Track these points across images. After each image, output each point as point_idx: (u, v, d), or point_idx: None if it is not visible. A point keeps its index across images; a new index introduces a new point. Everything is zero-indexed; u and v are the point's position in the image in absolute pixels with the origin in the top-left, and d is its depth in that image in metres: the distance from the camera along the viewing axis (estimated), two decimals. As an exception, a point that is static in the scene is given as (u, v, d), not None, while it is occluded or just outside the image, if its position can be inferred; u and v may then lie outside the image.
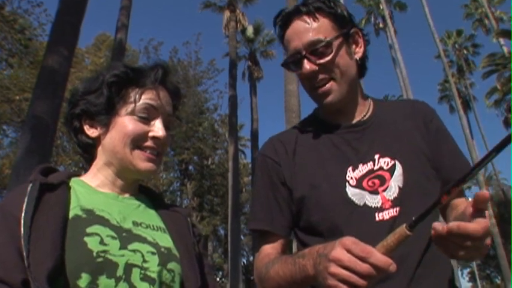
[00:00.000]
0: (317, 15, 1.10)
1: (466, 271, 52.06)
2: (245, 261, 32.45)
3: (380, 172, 1.09)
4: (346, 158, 1.12)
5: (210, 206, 27.71)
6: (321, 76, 1.10)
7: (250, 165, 26.52)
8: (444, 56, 27.18)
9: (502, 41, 29.90)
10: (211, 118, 28.98)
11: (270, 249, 1.14)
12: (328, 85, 1.10)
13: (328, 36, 1.09)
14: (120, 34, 11.01)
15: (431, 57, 45.19)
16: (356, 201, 1.06)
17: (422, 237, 1.03)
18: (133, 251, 0.89)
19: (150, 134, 0.99)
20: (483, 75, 32.65)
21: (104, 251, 0.85)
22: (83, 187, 0.99)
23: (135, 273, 0.87)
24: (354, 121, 1.18)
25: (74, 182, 0.99)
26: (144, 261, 0.90)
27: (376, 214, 1.06)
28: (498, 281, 47.02)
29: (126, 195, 1.04)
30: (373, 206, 1.06)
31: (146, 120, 0.99)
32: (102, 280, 0.83)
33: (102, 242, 0.86)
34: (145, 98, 1.00)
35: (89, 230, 0.87)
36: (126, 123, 0.98)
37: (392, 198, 1.07)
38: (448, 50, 35.88)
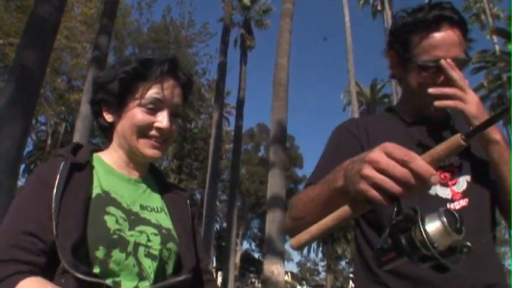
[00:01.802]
0: (463, 33, 1.16)
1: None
2: (218, 227, 32.93)
3: (450, 168, 1.17)
4: (422, 152, 1.15)
5: (189, 170, 27.81)
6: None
7: (232, 133, 26.56)
8: (437, 46, 27.11)
9: (495, 38, 30.05)
10: (199, 82, 28.70)
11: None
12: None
13: (465, 55, 1.15)
14: (114, -14, 10.73)
15: (425, 46, 45.02)
16: (428, 191, 1.11)
17: (483, 212, 1.13)
18: (140, 232, 1.04)
19: (155, 125, 1.09)
20: (472, 70, 32.90)
21: (119, 230, 1.00)
22: (102, 166, 1.11)
23: (141, 251, 1.02)
24: (433, 121, 1.24)
25: (95, 161, 1.11)
26: (149, 240, 1.04)
27: (448, 204, 1.12)
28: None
29: (137, 175, 1.16)
30: (443, 197, 1.12)
31: (153, 111, 1.09)
32: (115, 253, 0.97)
33: (117, 222, 1.00)
34: (152, 92, 1.08)
35: (107, 209, 1.01)
36: (134, 114, 1.08)
37: (461, 191, 1.14)
38: (441, 40, 35.85)
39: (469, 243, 0.66)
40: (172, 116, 1.12)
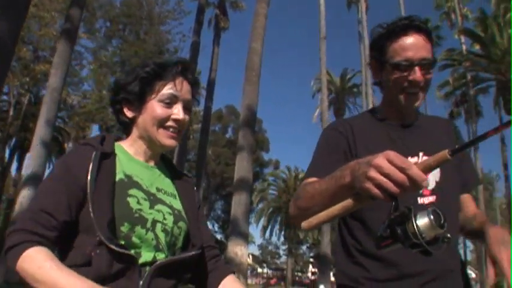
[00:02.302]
0: (428, 39, 1.34)
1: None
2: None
3: None
4: (400, 149, 1.30)
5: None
6: (419, 84, 1.33)
7: (201, 113, 26.40)
8: (407, 41, 27.67)
9: (462, 38, 30.88)
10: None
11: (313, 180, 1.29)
12: (420, 94, 1.36)
13: (431, 57, 1.34)
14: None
15: (395, 40, 45.80)
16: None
17: (449, 207, 1.29)
18: (158, 210, 1.22)
19: (172, 117, 1.26)
20: (440, 67, 33.80)
21: (140, 209, 1.17)
22: (124, 154, 1.28)
23: (158, 227, 1.20)
24: (406, 123, 1.45)
25: (117, 149, 1.28)
26: (164, 218, 1.22)
27: (418, 198, 1.30)
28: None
29: (152, 163, 1.34)
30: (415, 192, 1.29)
31: (169, 105, 1.26)
32: (137, 229, 1.15)
33: (138, 202, 1.18)
34: (168, 88, 1.26)
35: (129, 192, 1.18)
36: (154, 108, 1.25)
37: (430, 188, 1.33)
38: (412, 35, 36.56)
39: (449, 235, 0.86)
40: (185, 109, 1.29)
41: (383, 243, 0.88)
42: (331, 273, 29.25)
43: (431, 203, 1.30)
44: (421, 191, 1.29)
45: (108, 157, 1.20)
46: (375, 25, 1.42)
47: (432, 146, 1.35)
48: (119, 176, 1.19)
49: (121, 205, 1.14)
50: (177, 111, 1.26)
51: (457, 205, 1.41)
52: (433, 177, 1.34)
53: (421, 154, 1.37)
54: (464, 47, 30.96)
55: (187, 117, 1.29)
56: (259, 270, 62.39)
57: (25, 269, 1.00)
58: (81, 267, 1.07)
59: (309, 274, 67.77)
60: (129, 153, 1.30)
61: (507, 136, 33.81)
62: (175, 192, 1.35)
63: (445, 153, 0.82)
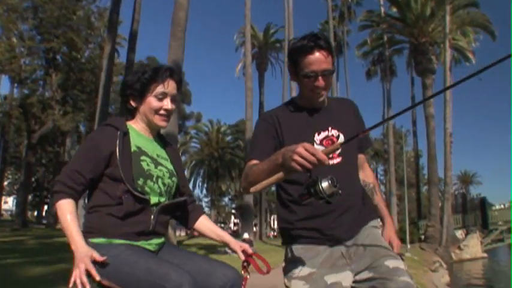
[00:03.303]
0: (329, 53, 1.80)
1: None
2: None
3: (331, 137, 1.87)
4: (314, 127, 1.89)
5: (74, 102, 26.38)
6: (322, 87, 1.83)
7: (124, 66, 25.43)
8: None
9: (381, 1, 32.23)
10: (88, 9, 26.73)
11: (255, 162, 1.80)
12: (323, 92, 1.86)
13: (331, 67, 1.82)
14: None
15: (319, -3, 46.50)
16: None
17: (351, 163, 1.90)
18: (160, 170, 1.80)
19: (164, 107, 1.81)
20: (359, 27, 35.12)
21: (149, 169, 1.75)
22: (133, 131, 1.82)
23: (160, 181, 1.79)
24: (318, 107, 1.93)
25: (129, 127, 1.81)
26: (163, 175, 1.81)
27: (330, 161, 1.76)
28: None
29: (151, 137, 1.90)
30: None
31: (161, 99, 1.80)
32: (148, 182, 1.73)
33: (147, 165, 1.76)
34: (160, 88, 1.79)
35: (141, 158, 1.76)
36: (151, 102, 1.80)
37: (337, 153, 1.83)
38: (336, -6, 37.39)
39: (340, 191, 1.45)
40: (173, 101, 1.84)
41: (303, 197, 1.48)
42: (253, 223, 30.58)
43: (338, 163, 1.83)
44: (331, 156, 1.79)
45: (125, 135, 1.76)
46: (292, 39, 1.93)
47: (337, 121, 1.91)
48: (133, 148, 1.76)
49: (137, 167, 1.72)
50: (167, 103, 1.81)
51: (356, 161, 1.98)
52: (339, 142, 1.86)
53: (330, 128, 1.88)
54: (382, 10, 32.34)
55: (174, 106, 1.85)
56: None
57: (57, 214, 1.63)
58: (115, 206, 1.67)
59: (231, 225, 70.01)
60: (136, 130, 1.85)
61: (417, 95, 36.38)
62: (167, 157, 1.92)
63: (337, 143, 1.49)
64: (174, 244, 1.88)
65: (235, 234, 36.86)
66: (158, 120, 1.81)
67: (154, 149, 1.86)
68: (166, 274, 1.50)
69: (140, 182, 1.70)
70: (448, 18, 25.94)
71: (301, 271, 1.77)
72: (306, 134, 1.85)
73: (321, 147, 1.70)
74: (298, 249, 1.83)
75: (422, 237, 28.81)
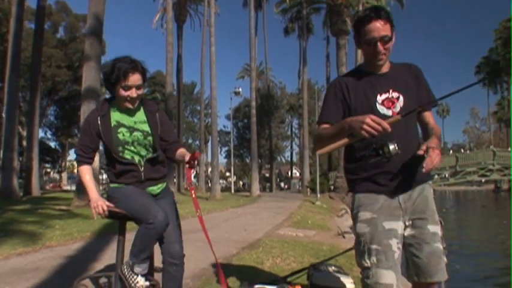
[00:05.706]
0: (387, 21, 2.00)
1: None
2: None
3: (392, 99, 2.07)
4: (376, 89, 2.09)
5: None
6: (383, 52, 2.02)
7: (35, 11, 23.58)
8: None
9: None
10: None
11: (325, 126, 2.08)
12: (384, 57, 2.05)
13: (390, 33, 2.01)
14: None
15: (240, -51, 45.09)
16: (380, 111, 2.04)
17: (409, 120, 2.02)
18: (134, 135, 2.43)
19: (130, 96, 2.37)
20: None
21: (124, 138, 2.42)
22: (114, 107, 2.46)
23: (136, 144, 2.44)
24: (381, 72, 2.13)
25: (111, 104, 2.47)
26: (138, 138, 2.44)
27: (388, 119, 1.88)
28: (248, 160, 55.35)
29: (133, 107, 2.42)
30: (387, 115, 2.00)
31: (129, 88, 2.35)
32: (127, 148, 2.43)
33: (123, 135, 2.41)
34: (127, 79, 2.32)
35: (118, 130, 2.42)
36: (121, 92, 2.36)
37: (397, 111, 2.02)
38: None
39: (400, 152, 1.82)
40: (137, 90, 2.37)
41: (371, 157, 1.90)
42: (174, 175, 30.71)
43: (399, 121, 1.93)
44: (390, 114, 2.02)
45: (104, 116, 2.44)
46: (360, 10, 2.22)
47: (398, 84, 2.10)
48: (112, 123, 2.44)
49: (116, 139, 2.42)
50: (131, 93, 2.36)
51: (414, 119, 2.12)
52: (399, 104, 2.08)
53: (390, 90, 2.08)
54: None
55: (139, 92, 2.39)
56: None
57: (79, 176, 2.54)
58: (112, 167, 2.45)
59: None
60: (116, 107, 2.48)
61: (332, 53, 37.84)
62: (145, 118, 2.50)
63: (398, 116, 1.82)
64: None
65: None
66: (127, 104, 2.40)
67: (131, 118, 2.47)
68: (149, 206, 2.32)
69: (120, 149, 2.41)
70: (362, -19, 26.88)
71: (363, 215, 2.07)
72: (369, 96, 2.08)
73: (383, 108, 2.05)
74: (360, 197, 2.11)
75: (332, 187, 30.64)
